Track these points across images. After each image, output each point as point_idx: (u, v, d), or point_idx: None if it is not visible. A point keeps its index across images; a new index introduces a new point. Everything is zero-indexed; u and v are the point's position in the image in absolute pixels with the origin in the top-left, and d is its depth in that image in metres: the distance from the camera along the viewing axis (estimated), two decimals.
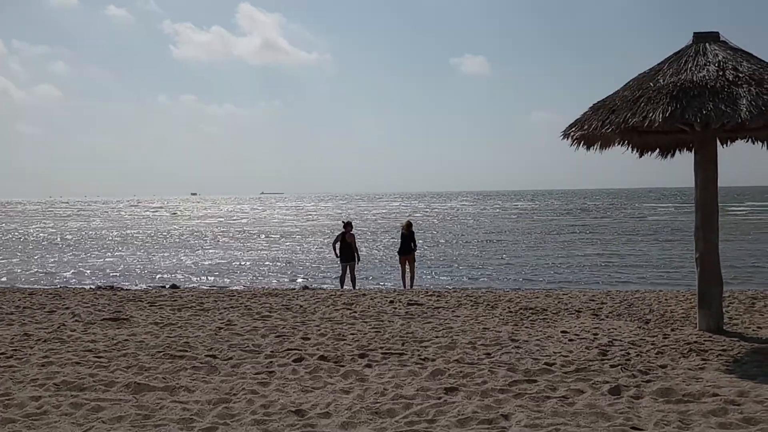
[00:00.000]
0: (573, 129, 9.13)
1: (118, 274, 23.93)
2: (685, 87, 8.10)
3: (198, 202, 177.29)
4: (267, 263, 27.45)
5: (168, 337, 8.97)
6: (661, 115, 7.93)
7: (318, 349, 8.04)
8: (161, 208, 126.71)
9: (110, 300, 12.91)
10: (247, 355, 7.81)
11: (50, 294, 14.13)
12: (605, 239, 36.53)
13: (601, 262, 25.42)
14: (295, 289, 16.51)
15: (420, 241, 18.48)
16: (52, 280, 22.12)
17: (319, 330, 9.45)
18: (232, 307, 11.91)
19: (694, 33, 8.99)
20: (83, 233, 50.22)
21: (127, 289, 16.44)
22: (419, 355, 7.68)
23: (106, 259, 29.65)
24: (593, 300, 12.54)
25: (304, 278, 22.15)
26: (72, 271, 25.28)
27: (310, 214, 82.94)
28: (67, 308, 11.73)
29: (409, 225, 17.25)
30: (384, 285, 18.95)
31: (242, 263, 27.59)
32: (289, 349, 8.04)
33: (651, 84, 8.48)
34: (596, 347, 8.05)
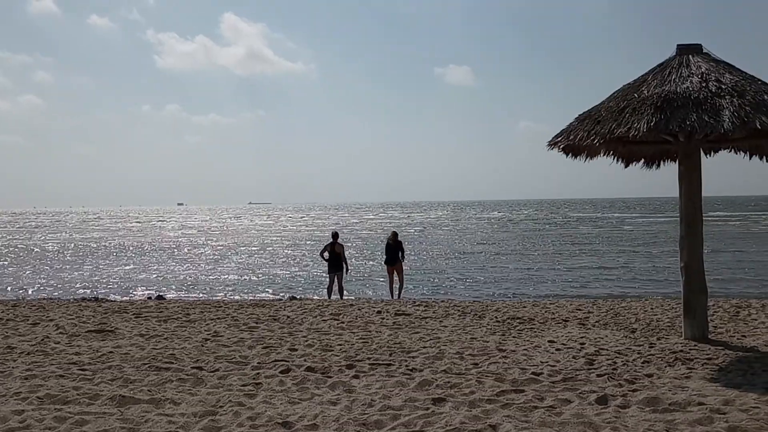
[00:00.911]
0: (559, 139, 9.19)
1: (101, 286, 23.71)
2: (669, 98, 8.19)
3: (168, 214, 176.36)
4: (251, 274, 27.33)
5: (153, 348, 8.89)
6: (645, 126, 8.01)
7: (305, 360, 8.00)
8: (136, 219, 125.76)
9: (95, 312, 12.78)
10: (233, 366, 7.76)
11: (34, 306, 13.96)
12: (592, 249, 36.74)
13: (588, 272, 25.54)
14: (282, 299, 16.44)
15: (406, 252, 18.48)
16: (35, 293, 21.86)
17: (306, 341, 9.41)
18: (218, 318, 11.84)
19: (678, 45, 9.10)
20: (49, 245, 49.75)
21: (112, 301, 16.28)
22: (407, 366, 7.66)
23: (84, 271, 29.38)
24: (580, 309, 12.59)
25: (291, 289, 22.05)
26: (54, 282, 25.02)
27: (285, 227, 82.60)
28: (51, 320, 11.60)
29: (395, 235, 17.31)
30: (371, 295, 18.91)
31: (227, 275, 27.44)
32: (276, 361, 8.00)
33: (636, 95, 8.56)
34: (583, 357, 8.08)
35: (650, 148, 10.38)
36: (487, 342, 9.21)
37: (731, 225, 58.15)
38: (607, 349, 8.53)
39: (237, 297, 18.93)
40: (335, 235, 16.92)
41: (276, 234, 62.14)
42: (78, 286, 23.70)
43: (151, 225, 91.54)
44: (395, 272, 17.04)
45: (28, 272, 28.66)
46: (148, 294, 20.17)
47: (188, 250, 42.41)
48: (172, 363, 7.94)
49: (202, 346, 9.08)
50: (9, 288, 23.28)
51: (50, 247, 45.94)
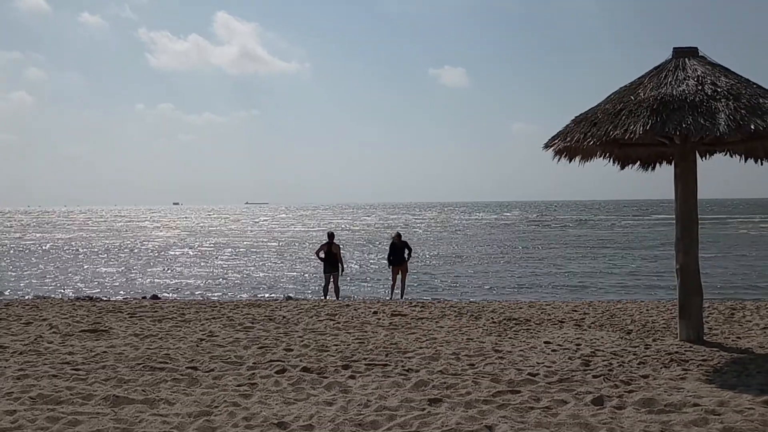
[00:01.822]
0: (555, 141, 9.21)
1: (96, 285, 23.64)
2: (666, 101, 8.21)
3: (157, 214, 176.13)
4: (246, 274, 27.28)
5: (148, 348, 8.85)
6: (641, 128, 8.03)
7: (301, 361, 7.98)
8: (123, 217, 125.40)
9: (89, 311, 12.73)
10: (228, 366, 7.73)
11: (27, 305, 13.90)
12: (586, 250, 36.81)
13: (583, 273, 25.59)
14: (278, 299, 16.41)
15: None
16: (28, 291, 21.77)
17: (302, 341, 9.39)
18: (213, 318, 11.80)
19: (674, 48, 9.13)
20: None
21: (106, 300, 16.22)
22: (403, 366, 7.65)
23: (81, 271, 29.28)
24: (576, 311, 12.61)
25: (287, 289, 22.03)
26: (49, 281, 24.93)
27: (281, 227, 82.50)
28: (44, 320, 11.54)
29: (399, 236, 17.31)
30: (367, 295, 18.90)
31: (222, 275, 27.39)
32: (271, 361, 7.97)
33: (632, 97, 8.59)
34: (579, 358, 8.08)
35: (646, 151, 10.40)
36: (484, 343, 9.20)
37: (719, 228, 58.37)
38: (603, 350, 8.53)
39: (233, 297, 18.89)
40: (331, 235, 16.91)
41: (271, 234, 62.06)
42: (53, 284, 23.62)
43: (138, 225, 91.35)
44: (400, 272, 17.04)
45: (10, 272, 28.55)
46: (143, 294, 20.10)
47: (182, 250, 42.32)
48: (167, 363, 7.90)
49: (197, 346, 9.05)
50: None
51: (35, 247, 45.79)
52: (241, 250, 41.82)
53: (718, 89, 8.25)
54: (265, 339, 9.55)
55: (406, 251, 16.98)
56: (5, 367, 7.68)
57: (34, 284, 23.89)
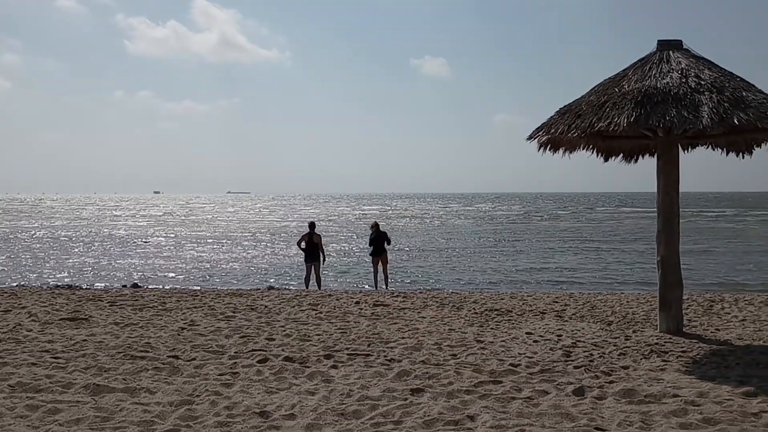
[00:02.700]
0: (540, 133, 9.22)
1: (75, 274, 23.38)
2: (649, 93, 8.24)
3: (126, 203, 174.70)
4: (227, 264, 27.15)
5: (129, 337, 8.77)
6: (625, 121, 8.06)
7: (283, 350, 7.96)
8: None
9: (68, 299, 12.59)
10: (210, 355, 7.69)
11: (5, 293, 13.71)
12: (568, 242, 37.06)
13: (565, 265, 25.75)
14: (260, 289, 16.34)
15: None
16: (6, 279, 21.49)
17: (284, 330, 9.36)
18: (195, 307, 11.73)
19: (658, 41, 9.16)
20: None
21: (86, 289, 16.05)
22: (385, 356, 7.65)
23: (62, 259, 28.96)
24: (557, 302, 12.68)
25: (269, 278, 21.94)
26: (29, 269, 24.62)
27: (263, 217, 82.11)
28: (23, 307, 11.40)
29: (376, 225, 17.27)
30: (349, 285, 18.89)
31: (203, 264, 27.22)
32: (253, 350, 7.94)
33: (616, 89, 8.61)
34: (560, 348, 8.14)
35: (629, 143, 10.46)
36: (466, 333, 9.23)
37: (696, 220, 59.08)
38: (584, 342, 8.60)
39: (214, 286, 18.78)
40: (312, 225, 16.85)
41: (252, 223, 61.76)
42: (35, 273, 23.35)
43: (113, 214, 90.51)
44: (380, 263, 17.01)
45: None
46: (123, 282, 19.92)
47: (162, 240, 41.99)
48: (148, 352, 7.84)
49: (179, 335, 8.98)
50: None
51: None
52: (219, 239, 41.57)
53: (702, 82, 8.30)
54: (247, 328, 9.51)
55: (385, 241, 16.97)
56: None
57: (7, 272, 23.58)
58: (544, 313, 11.16)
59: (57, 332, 9.13)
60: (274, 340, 8.65)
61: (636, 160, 10.74)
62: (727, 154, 10.03)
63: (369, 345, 8.35)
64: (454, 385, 6.38)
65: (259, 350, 7.93)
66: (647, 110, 8.08)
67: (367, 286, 17.88)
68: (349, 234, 45.17)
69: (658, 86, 8.31)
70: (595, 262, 26.69)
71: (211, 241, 39.86)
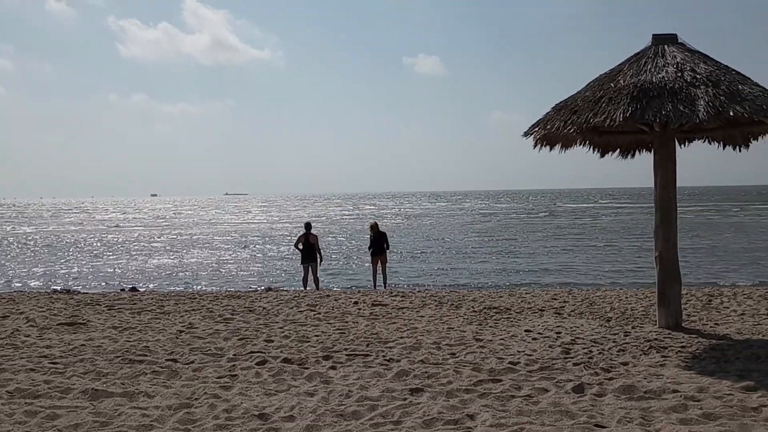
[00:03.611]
0: (536, 129, 9.19)
1: (72, 278, 23.33)
2: (645, 88, 8.22)
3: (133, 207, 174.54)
4: (225, 266, 27.10)
5: (127, 341, 8.74)
6: (621, 115, 8.03)
7: (281, 352, 7.93)
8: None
9: (66, 304, 12.55)
10: (208, 358, 7.66)
11: (3, 298, 13.67)
12: (566, 238, 37.06)
13: (562, 261, 25.75)
14: (257, 290, 16.31)
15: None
16: (5, 285, 21.44)
17: (282, 332, 9.33)
18: (193, 309, 11.69)
19: (653, 35, 9.14)
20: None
21: (84, 293, 16.01)
22: (384, 356, 7.63)
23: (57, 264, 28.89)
24: (555, 299, 12.67)
25: (267, 280, 21.91)
26: (25, 275, 24.56)
27: (259, 219, 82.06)
28: (21, 313, 11.36)
29: (376, 226, 17.27)
30: (347, 285, 18.86)
31: (201, 267, 27.18)
32: (252, 352, 7.91)
33: (612, 84, 8.59)
34: (559, 346, 8.12)
35: (626, 138, 10.43)
36: (464, 332, 9.21)
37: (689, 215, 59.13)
38: (583, 338, 8.58)
39: (212, 288, 18.75)
40: (308, 226, 16.81)
41: (249, 225, 61.71)
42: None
43: (108, 217, 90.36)
44: (380, 262, 17.01)
45: None
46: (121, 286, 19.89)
47: (160, 242, 41.93)
48: (146, 355, 7.81)
49: (177, 338, 8.95)
50: None
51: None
52: (218, 241, 41.53)
53: (698, 76, 8.28)
54: (246, 330, 9.48)
55: (385, 242, 16.97)
56: None
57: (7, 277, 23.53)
58: (543, 311, 11.15)
59: (55, 337, 9.10)
60: (272, 341, 8.63)
61: (633, 156, 10.72)
62: (723, 148, 10.02)
63: (368, 345, 8.33)
64: (453, 384, 6.36)
65: (258, 352, 7.91)
66: (643, 105, 8.05)
67: (356, 284, 17.86)
68: (348, 234, 45.14)
69: (654, 81, 8.29)
70: (593, 258, 26.69)
71: (208, 243, 39.81)
